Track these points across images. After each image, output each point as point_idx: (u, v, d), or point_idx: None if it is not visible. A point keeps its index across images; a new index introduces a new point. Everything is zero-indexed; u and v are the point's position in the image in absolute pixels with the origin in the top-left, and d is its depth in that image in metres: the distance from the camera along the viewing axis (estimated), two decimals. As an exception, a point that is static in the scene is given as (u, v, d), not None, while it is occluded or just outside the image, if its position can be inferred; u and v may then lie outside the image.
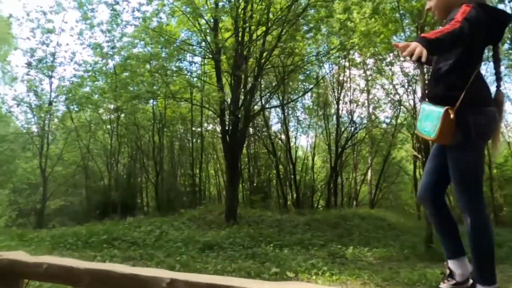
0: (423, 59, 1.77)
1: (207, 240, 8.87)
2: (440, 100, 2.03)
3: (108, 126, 17.21)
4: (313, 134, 20.79)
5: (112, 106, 16.13)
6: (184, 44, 11.93)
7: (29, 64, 14.85)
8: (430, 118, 2.03)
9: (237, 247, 8.68)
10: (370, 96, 19.47)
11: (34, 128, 15.98)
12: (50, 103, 14.94)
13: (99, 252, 8.25)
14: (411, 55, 1.77)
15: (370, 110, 19.71)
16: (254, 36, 11.54)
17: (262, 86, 13.20)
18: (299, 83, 17.16)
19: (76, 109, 15.84)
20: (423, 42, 1.79)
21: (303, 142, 41.08)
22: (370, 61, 16.83)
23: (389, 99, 18.30)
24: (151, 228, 10.55)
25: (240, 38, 11.06)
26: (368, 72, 17.50)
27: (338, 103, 17.56)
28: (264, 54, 11.00)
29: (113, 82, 14.60)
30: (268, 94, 13.05)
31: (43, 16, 14.85)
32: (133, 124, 16.98)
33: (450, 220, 2.21)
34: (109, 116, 15.79)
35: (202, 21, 11.64)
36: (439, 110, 1.97)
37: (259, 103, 13.24)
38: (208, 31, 11.61)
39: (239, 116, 10.90)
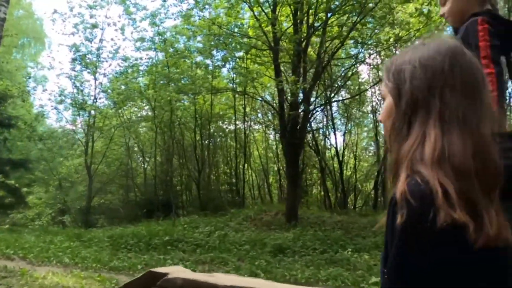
0: None
1: (278, 243, 8.28)
2: None
3: (147, 123, 16.87)
4: (355, 132, 20.00)
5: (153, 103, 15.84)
6: (238, 34, 11.30)
7: (73, 60, 14.62)
8: None
9: (310, 250, 8.06)
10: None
11: (79, 125, 15.78)
12: (95, 100, 14.66)
13: (166, 255, 7.79)
14: None
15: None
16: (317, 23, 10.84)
17: (325, 79, 12.43)
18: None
19: (116, 106, 15.48)
20: None
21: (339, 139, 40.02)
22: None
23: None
24: (209, 229, 10.05)
25: (301, 27, 10.41)
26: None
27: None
28: (333, 44, 10.31)
29: (158, 77, 14.23)
30: (332, 87, 12.28)
31: (87, 11, 14.61)
32: (173, 121, 16.57)
33: None
34: (153, 112, 15.33)
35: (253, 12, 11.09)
36: None
37: (317, 98, 12.48)
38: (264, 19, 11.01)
39: (301, 110, 10.26)
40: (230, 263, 7.06)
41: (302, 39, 10.42)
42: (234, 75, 16.12)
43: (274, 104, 12.14)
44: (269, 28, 10.64)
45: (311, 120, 11.90)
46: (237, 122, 19.13)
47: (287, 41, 11.22)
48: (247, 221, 11.15)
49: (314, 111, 11.47)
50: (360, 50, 11.61)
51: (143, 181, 17.29)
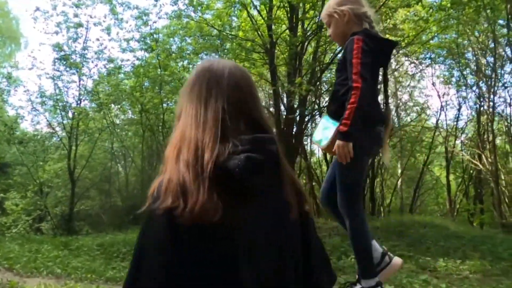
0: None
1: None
2: (336, 116, 2.23)
3: (131, 127, 16.39)
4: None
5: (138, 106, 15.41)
6: (232, 37, 11.05)
7: (57, 60, 14.02)
8: (326, 130, 2.29)
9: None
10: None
11: (59, 128, 15.12)
12: (79, 101, 14.09)
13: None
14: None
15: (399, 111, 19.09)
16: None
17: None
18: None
19: (103, 108, 14.93)
20: (347, 138, 2.12)
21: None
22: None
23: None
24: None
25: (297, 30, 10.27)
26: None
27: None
28: (330, 48, 10.20)
29: (145, 79, 13.84)
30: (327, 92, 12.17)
31: (71, 9, 14.07)
32: (159, 125, 16.14)
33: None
34: (140, 116, 14.88)
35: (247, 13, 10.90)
36: (334, 124, 2.22)
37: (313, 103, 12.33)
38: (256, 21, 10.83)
39: (296, 116, 10.10)
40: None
41: (298, 43, 10.28)
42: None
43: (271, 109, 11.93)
44: (261, 30, 10.49)
45: (308, 125, 11.70)
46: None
47: (283, 45, 11.10)
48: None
49: (311, 116, 11.25)
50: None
51: (126, 186, 16.76)
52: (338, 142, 2.12)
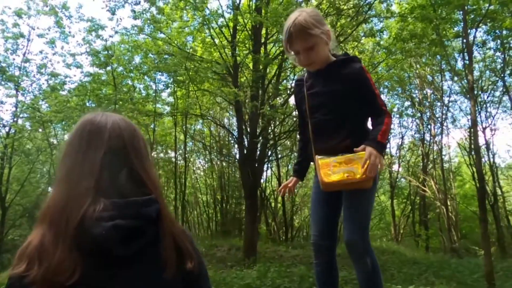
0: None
1: (246, 283, 7.51)
2: (346, 150, 2.02)
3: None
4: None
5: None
6: (194, 57, 10.66)
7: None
8: (350, 164, 1.98)
9: (282, 289, 7.43)
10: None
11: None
12: (16, 118, 12.69)
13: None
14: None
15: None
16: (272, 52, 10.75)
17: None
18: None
19: (44, 125, 13.62)
20: (382, 149, 1.98)
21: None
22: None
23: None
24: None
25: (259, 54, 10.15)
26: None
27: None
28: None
29: (95, 97, 12.89)
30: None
31: (10, 18, 12.90)
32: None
33: (336, 270, 2.31)
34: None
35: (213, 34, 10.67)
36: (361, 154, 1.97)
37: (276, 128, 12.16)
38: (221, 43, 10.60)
39: (259, 139, 9.84)
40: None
41: (261, 67, 10.15)
42: (172, 100, 15.39)
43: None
44: (223, 51, 10.25)
45: (272, 149, 11.46)
46: (171, 152, 18.25)
47: (245, 68, 10.93)
48: (199, 258, 10.17)
49: (275, 140, 11.04)
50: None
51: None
52: (375, 153, 1.90)
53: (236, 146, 15.81)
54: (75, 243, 0.82)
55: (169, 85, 14.22)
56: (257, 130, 10.16)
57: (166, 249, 0.92)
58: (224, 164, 18.36)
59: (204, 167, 20.13)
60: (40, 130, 12.90)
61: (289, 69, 10.84)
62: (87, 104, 13.60)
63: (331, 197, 2.19)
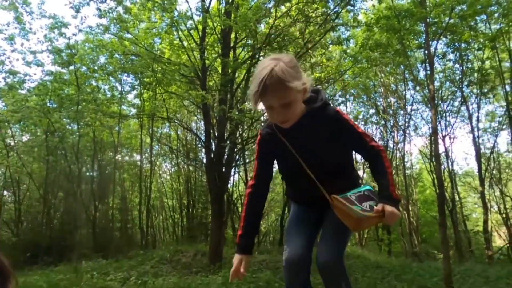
0: None
1: (212, 290, 7.39)
2: (348, 188, 1.98)
3: (35, 151, 14.47)
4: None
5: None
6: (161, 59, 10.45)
7: None
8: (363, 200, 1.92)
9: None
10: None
11: None
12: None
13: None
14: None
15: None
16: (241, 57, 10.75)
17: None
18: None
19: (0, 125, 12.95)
20: (399, 204, 1.90)
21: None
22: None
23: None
24: (122, 275, 8.59)
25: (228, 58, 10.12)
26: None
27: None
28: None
29: (56, 97, 12.41)
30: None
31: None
32: (64, 149, 14.46)
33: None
34: (46, 137, 13.17)
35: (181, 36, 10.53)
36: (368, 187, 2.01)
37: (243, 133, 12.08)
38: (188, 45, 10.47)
39: (227, 143, 9.77)
40: (166, 318, 5.96)
41: (230, 71, 10.10)
42: (139, 102, 15.07)
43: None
44: (192, 54, 10.14)
45: (239, 154, 11.39)
46: (136, 155, 17.85)
47: (214, 72, 10.85)
48: (163, 264, 9.93)
49: (243, 145, 10.98)
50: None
51: (17, 218, 14.52)
52: (394, 210, 1.79)
53: (203, 150, 15.67)
54: None
55: (135, 86, 13.93)
56: (225, 134, 10.09)
57: None
58: (191, 168, 18.11)
59: (170, 171, 19.80)
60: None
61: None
62: (48, 104, 13.12)
63: (311, 217, 2.16)
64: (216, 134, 10.06)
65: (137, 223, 16.68)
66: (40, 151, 13.77)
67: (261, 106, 1.90)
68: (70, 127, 14.75)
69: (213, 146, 10.01)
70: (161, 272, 9.13)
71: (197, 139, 12.34)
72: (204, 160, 10.89)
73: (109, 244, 13.89)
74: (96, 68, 11.37)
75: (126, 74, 13.15)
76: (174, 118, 12.51)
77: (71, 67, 11.46)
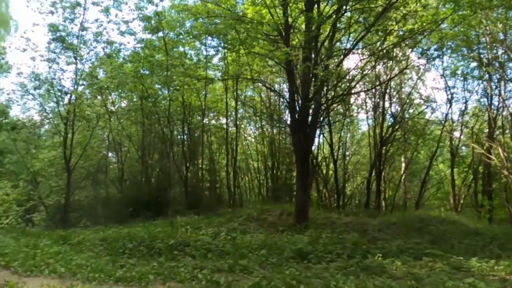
0: None
1: (297, 248, 7.45)
2: None
3: (125, 116, 15.58)
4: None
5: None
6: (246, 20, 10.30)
7: (52, 42, 13.15)
8: None
9: (334, 255, 7.29)
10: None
11: (53, 114, 14.26)
12: (76, 86, 13.26)
13: (175, 262, 6.78)
14: None
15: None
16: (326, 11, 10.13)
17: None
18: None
19: (103, 92, 14.13)
20: None
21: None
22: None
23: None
24: (213, 230, 9.10)
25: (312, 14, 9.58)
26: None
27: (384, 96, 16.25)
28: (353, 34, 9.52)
29: (147, 63, 13.10)
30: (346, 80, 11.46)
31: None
32: (157, 113, 15.35)
33: None
34: (141, 102, 14.12)
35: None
36: None
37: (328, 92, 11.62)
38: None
39: (312, 104, 9.47)
40: (255, 272, 6.16)
41: (314, 27, 9.59)
42: (223, 65, 15.27)
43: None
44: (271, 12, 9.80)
45: (324, 115, 11.06)
46: (222, 118, 18.33)
47: (297, 32, 10.44)
48: (250, 222, 10.29)
49: (328, 104, 10.60)
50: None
51: (121, 177, 16.02)
52: None
53: (287, 111, 15.57)
54: None
55: (219, 50, 14.10)
56: (309, 94, 9.80)
57: None
58: (274, 130, 18.20)
59: (255, 134, 20.09)
60: (98, 97, 13.42)
61: (343, 29, 10.20)
62: (141, 71, 13.91)
63: None
64: (300, 94, 9.82)
65: (224, 183, 17.42)
66: (137, 116, 14.82)
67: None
68: (161, 92, 15.62)
69: (298, 107, 9.80)
70: (249, 229, 9.47)
71: (281, 100, 12.11)
72: (289, 122, 10.74)
73: (199, 202, 14.74)
74: (182, 32, 11.65)
75: (210, 38, 13.35)
76: (258, 79, 12.39)
77: (160, 34, 11.89)
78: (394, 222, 10.29)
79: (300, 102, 9.71)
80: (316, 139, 16.38)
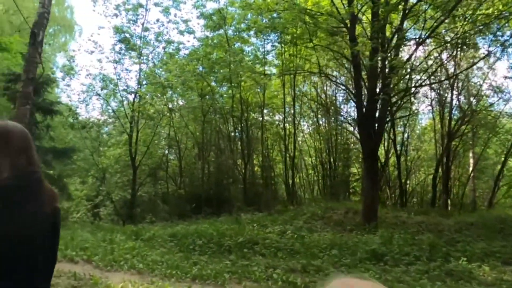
0: None
1: (371, 249, 7.10)
2: None
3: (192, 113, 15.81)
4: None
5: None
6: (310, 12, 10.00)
7: (117, 44, 13.66)
8: None
9: (412, 258, 6.86)
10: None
11: (117, 114, 14.83)
12: (140, 85, 13.68)
13: (246, 260, 6.71)
14: None
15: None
16: None
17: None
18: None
19: (165, 91, 14.44)
20: None
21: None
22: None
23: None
24: (279, 228, 8.96)
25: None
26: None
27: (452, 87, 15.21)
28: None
29: (207, 61, 13.21)
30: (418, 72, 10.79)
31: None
32: (214, 110, 15.46)
33: None
34: (200, 100, 14.32)
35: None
36: None
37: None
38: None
39: (380, 98, 9.00)
40: (331, 273, 5.92)
41: (381, 16, 9.09)
42: (279, 62, 15.08)
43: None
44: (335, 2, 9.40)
45: (393, 109, 10.55)
46: (278, 113, 18.15)
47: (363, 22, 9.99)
48: (315, 220, 10.03)
49: (399, 98, 10.07)
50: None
51: (180, 174, 16.35)
52: None
53: (343, 107, 15.14)
54: None
55: (277, 45, 13.93)
56: (377, 88, 9.36)
57: (43, 196, 1.43)
58: (332, 125, 17.77)
59: (309, 129, 19.72)
60: (159, 95, 13.77)
61: (414, 16, 9.59)
62: (200, 69, 14.05)
63: None
64: (368, 88, 9.40)
65: (279, 180, 17.26)
66: (196, 113, 15.03)
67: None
68: (219, 90, 15.74)
69: (364, 101, 9.39)
70: (315, 228, 9.23)
71: (339, 94, 11.61)
72: (348, 117, 10.30)
73: (257, 198, 14.69)
74: (242, 28, 11.59)
75: (267, 34, 13.21)
76: (325, 72, 11.95)
77: (221, 31, 11.92)
78: (472, 223, 9.56)
79: (367, 96, 9.28)
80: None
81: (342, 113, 17.83)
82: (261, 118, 17.85)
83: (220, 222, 9.63)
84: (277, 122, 18.20)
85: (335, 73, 16.50)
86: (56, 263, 1.50)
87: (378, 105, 9.26)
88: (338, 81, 12.20)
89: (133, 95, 13.82)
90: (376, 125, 9.33)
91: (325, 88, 17.07)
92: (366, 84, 9.46)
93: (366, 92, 9.51)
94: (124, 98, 14.17)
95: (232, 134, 17.31)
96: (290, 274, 5.91)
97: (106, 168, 14.59)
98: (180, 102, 17.57)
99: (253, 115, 18.17)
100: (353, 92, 9.86)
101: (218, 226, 8.70)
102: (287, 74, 12.70)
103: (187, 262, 6.35)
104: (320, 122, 18.17)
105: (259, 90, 15.92)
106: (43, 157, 12.29)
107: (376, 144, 9.43)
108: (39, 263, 1.37)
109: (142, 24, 14.01)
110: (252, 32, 11.60)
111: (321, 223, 9.72)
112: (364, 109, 9.32)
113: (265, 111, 18.63)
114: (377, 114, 9.39)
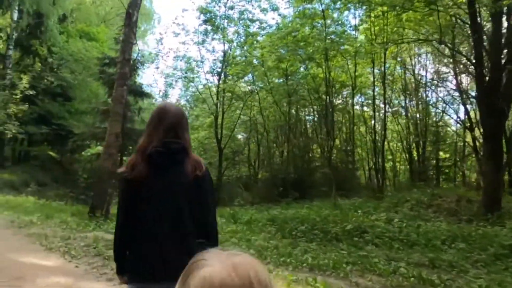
0: None
1: (510, 244, 6.07)
2: None
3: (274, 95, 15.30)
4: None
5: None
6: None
7: (202, 24, 13.49)
8: None
9: None
10: None
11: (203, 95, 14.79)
12: (226, 66, 13.44)
13: (360, 250, 6.08)
14: None
15: None
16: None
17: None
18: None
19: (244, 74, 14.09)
20: None
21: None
22: None
23: None
24: (384, 215, 8.18)
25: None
26: None
27: None
28: None
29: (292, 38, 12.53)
30: None
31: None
32: (296, 92, 14.72)
33: None
34: (286, 82, 13.76)
35: None
36: None
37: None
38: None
39: (508, 68, 7.71)
40: (470, 271, 5.08)
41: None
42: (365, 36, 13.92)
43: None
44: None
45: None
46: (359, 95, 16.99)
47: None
48: (421, 208, 9.06)
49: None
50: None
51: (257, 157, 16.04)
52: None
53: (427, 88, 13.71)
54: (146, 162, 1.66)
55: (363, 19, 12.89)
56: (502, 59, 8.07)
57: (187, 164, 1.68)
58: (420, 107, 16.34)
59: (398, 110, 18.27)
60: (245, 76, 13.43)
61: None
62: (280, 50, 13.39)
63: None
64: (490, 59, 8.13)
65: (362, 165, 16.27)
66: (281, 93, 14.51)
67: None
68: (301, 70, 15.01)
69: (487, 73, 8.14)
70: (425, 217, 8.29)
71: (468, 64, 9.98)
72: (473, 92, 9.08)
73: (346, 183, 13.92)
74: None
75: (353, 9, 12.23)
76: (441, 39, 10.60)
77: (308, 5, 11.17)
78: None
79: (490, 67, 8.03)
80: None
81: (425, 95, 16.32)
82: (345, 99, 16.89)
83: (317, 207, 9.07)
84: (363, 103, 17.09)
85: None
86: (212, 214, 1.77)
87: (503, 77, 7.99)
88: (452, 51, 10.56)
89: (217, 76, 13.64)
90: (500, 100, 8.05)
91: (414, 65, 15.69)
92: (488, 52, 8.17)
93: (488, 62, 8.23)
94: (208, 81, 14.06)
95: (317, 116, 16.59)
96: (418, 269, 5.17)
97: (193, 151, 14.67)
98: (260, 84, 17.21)
99: (336, 96, 17.21)
100: (473, 62, 8.58)
101: (318, 211, 8.15)
102: (395, 44, 11.58)
103: (297, 250, 5.88)
104: (407, 104, 16.78)
105: (348, 65, 14.78)
106: (135, 140, 12.63)
107: (499, 123, 8.17)
108: (184, 212, 1.66)
109: (224, 5, 13.73)
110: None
111: (430, 212, 8.75)
112: (485, 82, 8.08)
113: (343, 92, 17.57)
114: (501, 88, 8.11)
